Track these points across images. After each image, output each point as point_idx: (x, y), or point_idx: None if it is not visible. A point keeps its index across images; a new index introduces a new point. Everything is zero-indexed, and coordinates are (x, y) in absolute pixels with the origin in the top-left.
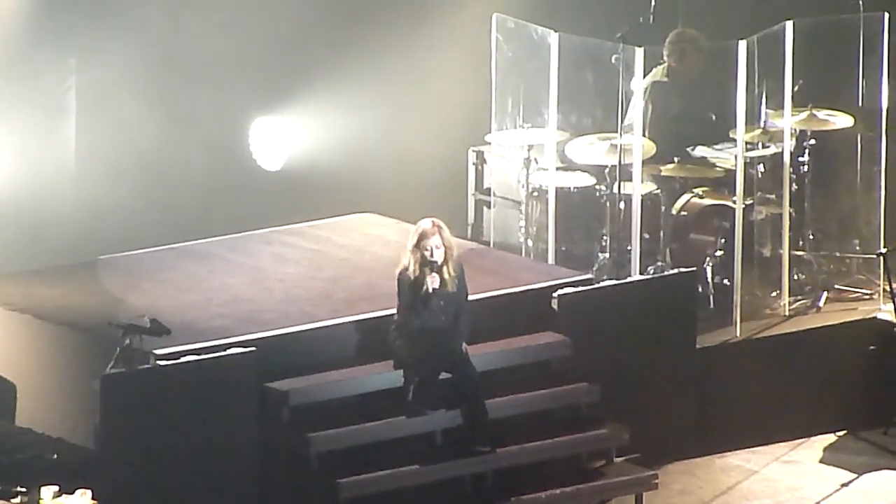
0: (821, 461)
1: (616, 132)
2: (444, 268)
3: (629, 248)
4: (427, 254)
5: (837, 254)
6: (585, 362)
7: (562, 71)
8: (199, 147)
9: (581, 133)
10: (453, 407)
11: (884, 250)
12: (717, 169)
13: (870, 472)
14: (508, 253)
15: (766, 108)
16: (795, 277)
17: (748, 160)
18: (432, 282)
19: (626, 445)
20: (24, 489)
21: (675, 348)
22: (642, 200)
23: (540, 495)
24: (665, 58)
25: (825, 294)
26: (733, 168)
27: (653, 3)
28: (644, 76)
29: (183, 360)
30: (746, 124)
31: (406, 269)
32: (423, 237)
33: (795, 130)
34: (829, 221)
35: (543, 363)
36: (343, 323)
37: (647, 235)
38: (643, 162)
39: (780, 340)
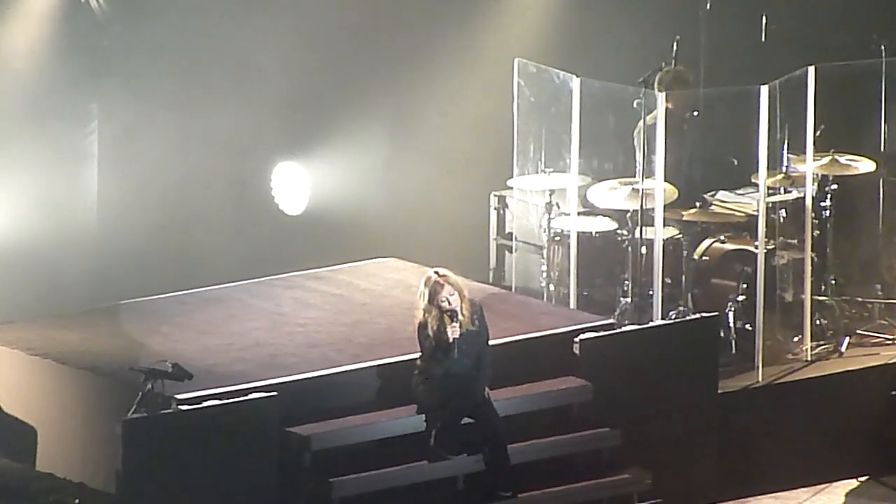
0: None
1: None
2: (460, 310)
3: (651, 292)
4: (445, 305)
5: (859, 299)
6: (607, 407)
7: (584, 115)
8: (222, 192)
9: (603, 178)
10: (475, 452)
11: None
12: (739, 214)
13: None
14: (530, 297)
15: (788, 153)
16: (817, 322)
17: (770, 205)
18: (453, 332)
19: (648, 491)
20: None
21: (697, 393)
22: (664, 245)
23: None
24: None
25: (847, 339)
26: (755, 213)
27: (675, 47)
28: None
29: (204, 404)
30: (768, 169)
31: (424, 322)
32: (434, 293)
33: (817, 175)
34: (851, 266)
35: (565, 408)
36: (364, 368)
37: (668, 280)
38: (665, 207)
39: (802, 385)
